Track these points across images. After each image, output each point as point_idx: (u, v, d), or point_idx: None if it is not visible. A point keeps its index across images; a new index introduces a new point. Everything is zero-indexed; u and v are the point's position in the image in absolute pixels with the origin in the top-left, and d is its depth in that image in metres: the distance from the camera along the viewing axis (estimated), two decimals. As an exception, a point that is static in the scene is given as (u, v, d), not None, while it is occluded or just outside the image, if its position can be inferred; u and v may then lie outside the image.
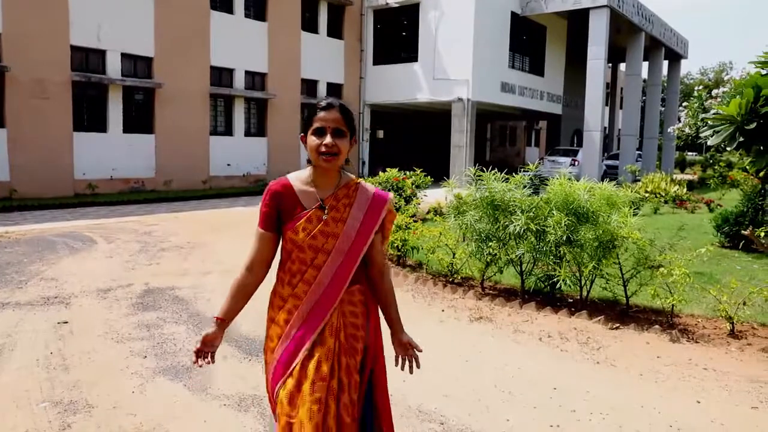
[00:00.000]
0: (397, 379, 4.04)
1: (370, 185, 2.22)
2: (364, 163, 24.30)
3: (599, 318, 5.27)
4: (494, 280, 6.64)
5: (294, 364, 2.02)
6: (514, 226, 5.62)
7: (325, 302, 2.07)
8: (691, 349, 4.63)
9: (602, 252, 5.39)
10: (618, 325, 5.15)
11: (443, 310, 5.75)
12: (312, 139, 2.06)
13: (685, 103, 12.48)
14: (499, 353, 4.61)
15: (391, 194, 2.27)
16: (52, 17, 14.55)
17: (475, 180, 6.18)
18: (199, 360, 2.19)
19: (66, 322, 5.15)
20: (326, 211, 2.08)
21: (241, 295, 2.16)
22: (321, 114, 2.07)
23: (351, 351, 2.09)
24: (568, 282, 5.42)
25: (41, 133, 14.52)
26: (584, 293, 5.76)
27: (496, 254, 6.00)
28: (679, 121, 12.82)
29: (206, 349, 2.18)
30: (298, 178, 2.15)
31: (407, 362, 2.27)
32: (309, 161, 2.14)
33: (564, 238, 5.40)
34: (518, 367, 4.31)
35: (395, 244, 7.44)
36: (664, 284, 5.13)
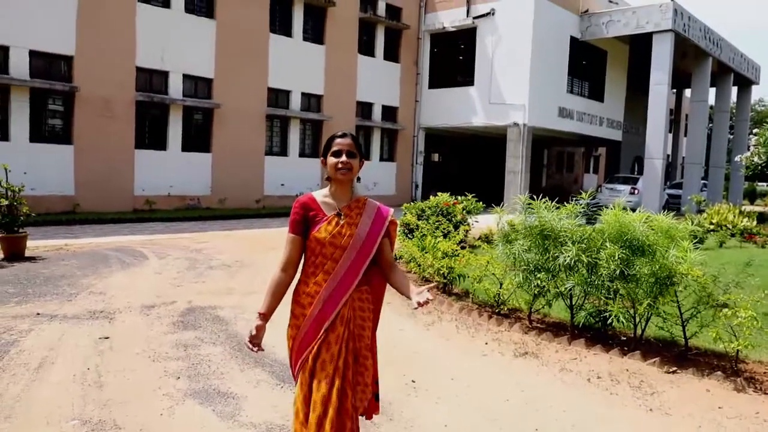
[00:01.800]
0: (431, 415, 3.86)
1: (374, 201, 2.78)
2: (417, 186, 24.19)
3: (654, 360, 4.91)
4: (542, 312, 6.34)
5: (311, 346, 2.55)
6: (564, 257, 5.34)
7: (340, 289, 2.58)
8: (759, 401, 4.23)
9: (659, 288, 5.04)
10: (675, 368, 4.78)
11: (487, 343, 5.50)
12: (331, 159, 2.64)
13: (755, 131, 11.81)
14: (543, 394, 4.34)
15: (391, 210, 2.81)
16: (120, 40, 15.22)
17: (525, 208, 5.95)
18: (254, 349, 2.62)
19: (107, 338, 5.19)
20: (342, 217, 2.63)
21: (279, 292, 2.64)
22: (338, 140, 2.65)
23: (358, 338, 2.62)
24: (621, 319, 5.09)
25: (105, 150, 15.11)
26: (638, 332, 5.41)
27: (544, 286, 5.72)
28: (748, 150, 12.13)
29: (255, 341, 2.61)
30: (320, 193, 2.72)
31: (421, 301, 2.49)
32: (327, 179, 2.71)
33: (617, 272, 5.09)
34: (563, 410, 4.03)
35: (441, 271, 7.25)
36: (728, 326, 4.74)
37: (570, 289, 5.52)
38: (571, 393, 4.36)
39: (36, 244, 9.99)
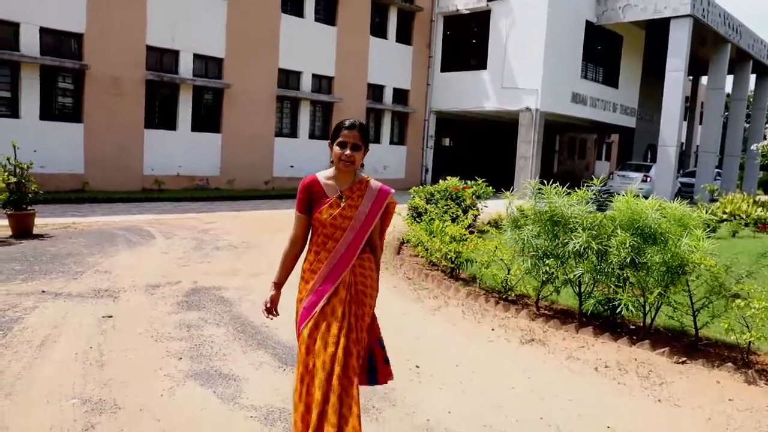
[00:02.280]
0: (435, 401, 3.80)
1: (377, 182, 2.89)
2: (427, 170, 24.04)
3: (663, 350, 4.82)
4: (550, 299, 6.25)
5: (316, 309, 2.71)
6: (574, 243, 5.24)
7: (340, 266, 2.75)
8: (768, 393, 4.14)
9: (670, 277, 4.93)
10: (685, 359, 4.69)
11: (493, 329, 5.43)
12: (336, 149, 2.76)
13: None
14: (550, 382, 4.26)
15: (392, 190, 2.92)
16: (130, 19, 15.11)
17: (535, 193, 5.83)
18: (270, 315, 2.89)
19: (110, 317, 5.17)
20: (343, 200, 2.78)
21: (289, 263, 2.89)
22: (345, 132, 2.74)
23: (361, 301, 2.78)
24: (630, 307, 5.00)
25: (115, 129, 15.08)
26: (647, 321, 5.31)
27: (553, 273, 5.63)
28: (765, 138, 11.90)
29: (271, 307, 2.88)
30: (324, 175, 2.85)
31: None
32: (332, 162, 2.82)
33: (628, 260, 4.98)
34: (569, 399, 3.96)
35: (449, 256, 7.17)
36: (740, 317, 4.63)
37: (579, 277, 5.43)
38: (578, 381, 4.29)
39: (44, 221, 10.00)
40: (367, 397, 3.78)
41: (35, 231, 9.10)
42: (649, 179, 22.20)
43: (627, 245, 4.96)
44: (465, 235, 7.32)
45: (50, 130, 14.18)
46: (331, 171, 2.84)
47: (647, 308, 5.25)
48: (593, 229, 5.32)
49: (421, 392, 3.96)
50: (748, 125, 33.47)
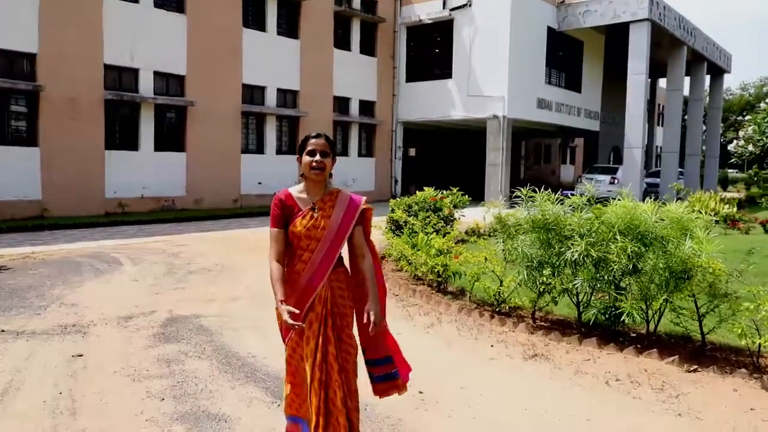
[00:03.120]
0: (447, 431, 3.51)
1: (347, 192, 2.96)
2: (396, 181, 23.84)
3: (672, 358, 4.63)
4: (545, 310, 6.03)
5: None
6: (572, 252, 5.04)
7: (317, 277, 2.79)
8: (788, 400, 3.97)
9: (674, 283, 4.76)
10: (695, 366, 4.51)
11: (492, 346, 5.17)
12: (306, 158, 2.84)
13: (747, 117, 11.70)
14: (562, 400, 4.02)
15: (364, 198, 2.97)
16: (86, 37, 14.54)
17: (526, 200, 5.63)
18: (297, 325, 2.69)
19: (81, 356, 4.73)
20: (316, 211, 2.84)
21: (282, 278, 2.82)
22: (312, 141, 2.85)
23: (338, 314, 2.85)
24: (634, 316, 4.80)
25: (73, 152, 14.44)
26: (651, 327, 5.13)
27: (550, 283, 5.41)
28: (738, 138, 12.03)
29: (297, 318, 2.71)
30: (296, 189, 2.93)
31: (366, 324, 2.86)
32: (302, 176, 2.89)
33: (630, 266, 4.80)
34: (587, 419, 3.71)
35: (436, 269, 6.90)
36: (750, 321, 4.46)
37: (577, 286, 5.22)
38: (591, 399, 4.05)
39: (0, 252, 9.39)
40: (374, 430, 3.47)
41: (-9, 263, 8.52)
42: (616, 181, 22.42)
43: (628, 251, 4.77)
44: (452, 247, 7.07)
45: (3, 155, 13.47)
46: (301, 186, 2.93)
47: (650, 315, 5.07)
48: (591, 235, 5.12)
49: (430, 422, 3.66)
50: (705, 125, 34.34)
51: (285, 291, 2.78)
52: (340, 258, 2.88)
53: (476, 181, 22.53)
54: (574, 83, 25.03)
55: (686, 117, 28.93)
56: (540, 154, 36.78)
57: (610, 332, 5.35)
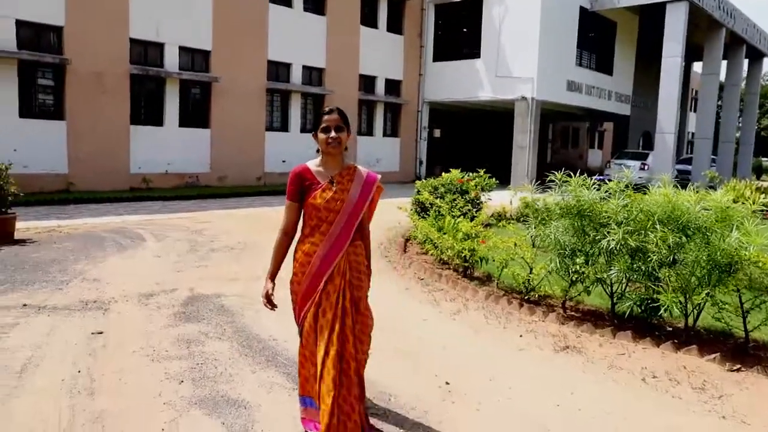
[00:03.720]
0: (475, 426, 3.35)
1: (363, 168, 3.05)
2: (421, 162, 23.55)
3: (714, 356, 4.39)
4: (576, 300, 5.81)
5: (313, 296, 2.90)
6: (608, 240, 4.80)
7: (335, 248, 2.87)
8: (840, 404, 3.72)
9: (717, 276, 4.50)
10: (739, 366, 4.27)
11: (521, 336, 4.98)
12: (321, 135, 2.94)
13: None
14: (596, 396, 3.82)
15: (378, 175, 3.08)
16: (112, 11, 14.45)
17: (560, 185, 5.38)
18: (272, 307, 3.00)
19: (101, 333, 4.66)
20: (335, 184, 2.92)
21: (282, 254, 3.03)
22: (326, 117, 2.94)
23: (356, 286, 2.95)
24: (673, 309, 4.56)
25: (99, 126, 14.45)
26: (689, 321, 4.89)
27: (583, 272, 5.18)
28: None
29: (271, 301, 2.99)
30: (313, 163, 3.01)
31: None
32: (318, 151, 3.00)
33: (670, 258, 4.55)
34: (624, 418, 3.52)
35: (462, 254, 6.71)
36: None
37: (613, 276, 4.98)
38: (627, 396, 3.85)
39: (27, 225, 9.43)
40: (399, 424, 3.32)
41: (17, 236, 8.54)
42: (646, 167, 21.89)
43: (669, 242, 4.52)
44: (480, 231, 6.86)
45: (31, 128, 13.53)
46: (318, 160, 3.02)
47: (689, 309, 4.82)
48: (628, 224, 4.87)
49: (457, 415, 3.50)
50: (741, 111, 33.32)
51: (279, 265, 3.02)
52: (357, 230, 2.97)
53: (502, 163, 22.15)
54: (605, 66, 24.37)
55: (720, 102, 28.08)
56: (567, 138, 36.05)
57: (644, 325, 5.11)
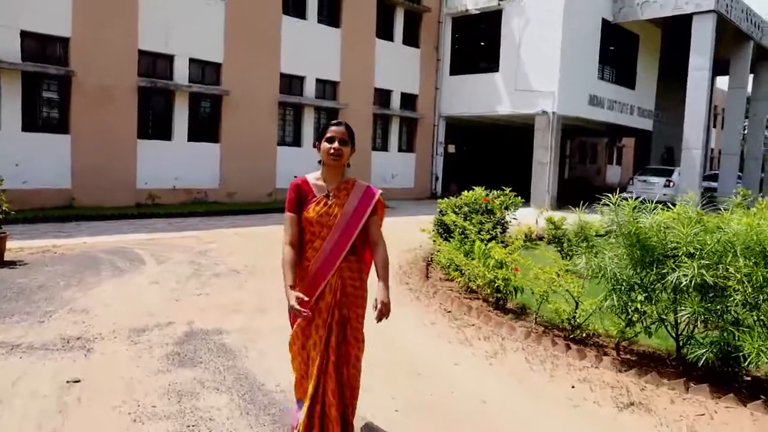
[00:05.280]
0: None
1: (363, 182, 3.01)
2: (437, 178, 22.82)
3: (817, 420, 3.61)
4: (630, 340, 5.03)
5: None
6: (678, 276, 4.03)
7: (327, 265, 2.83)
8: None
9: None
10: None
11: (574, 387, 4.21)
12: (325, 145, 2.89)
13: None
14: (682, 477, 3.05)
15: (379, 190, 3.02)
16: (120, 21, 13.94)
17: (615, 206, 4.63)
18: (304, 312, 2.70)
19: (77, 381, 3.95)
20: (331, 198, 2.90)
21: (294, 262, 2.88)
22: (332, 128, 2.91)
23: (348, 305, 2.89)
24: (761, 359, 3.78)
25: (105, 140, 13.86)
26: (774, 373, 4.11)
27: (645, 311, 4.41)
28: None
29: (304, 307, 2.71)
30: (313, 176, 3.01)
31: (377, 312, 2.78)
32: (320, 162, 2.95)
33: (761, 298, 3.78)
34: None
35: (495, 284, 5.95)
36: None
37: (686, 317, 4.21)
38: (721, 476, 3.07)
39: (21, 244, 8.79)
40: None
41: (8, 257, 7.89)
42: (672, 184, 21.00)
43: (757, 278, 3.76)
44: (515, 259, 6.10)
45: (33, 141, 12.96)
46: (319, 173, 2.96)
47: (777, 358, 4.03)
48: (702, 256, 4.11)
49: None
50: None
51: (295, 276, 2.82)
52: (353, 247, 2.88)
53: (520, 180, 21.34)
54: (627, 79, 23.59)
55: (746, 117, 27.19)
56: (585, 154, 35.23)
57: (714, 372, 4.33)
